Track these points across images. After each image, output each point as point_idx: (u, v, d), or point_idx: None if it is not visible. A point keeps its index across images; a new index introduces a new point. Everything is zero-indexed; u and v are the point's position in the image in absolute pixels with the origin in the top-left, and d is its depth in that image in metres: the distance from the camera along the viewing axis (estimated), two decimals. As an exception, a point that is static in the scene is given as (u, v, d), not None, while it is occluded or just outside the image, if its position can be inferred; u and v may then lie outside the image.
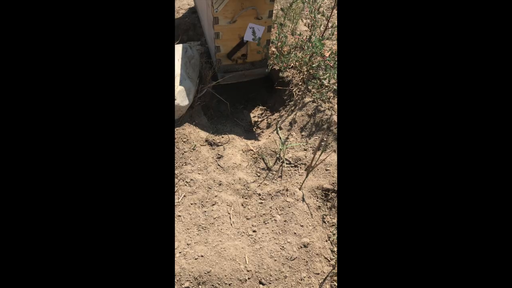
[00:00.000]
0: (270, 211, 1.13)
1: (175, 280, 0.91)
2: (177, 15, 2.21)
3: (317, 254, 1.02)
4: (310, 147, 1.36)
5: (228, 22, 1.42)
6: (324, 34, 1.71)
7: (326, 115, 1.42)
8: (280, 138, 1.42)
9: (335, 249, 1.05)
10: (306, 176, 1.19)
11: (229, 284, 0.92)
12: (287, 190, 1.18)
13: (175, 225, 1.09)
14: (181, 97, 1.34)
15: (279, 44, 1.68)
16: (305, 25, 1.95)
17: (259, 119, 1.67)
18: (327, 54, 1.78)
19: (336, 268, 0.98)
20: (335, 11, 1.78)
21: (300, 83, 1.61)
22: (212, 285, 0.91)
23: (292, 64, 1.72)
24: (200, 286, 0.91)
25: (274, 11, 1.55)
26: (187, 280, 0.92)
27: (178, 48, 1.52)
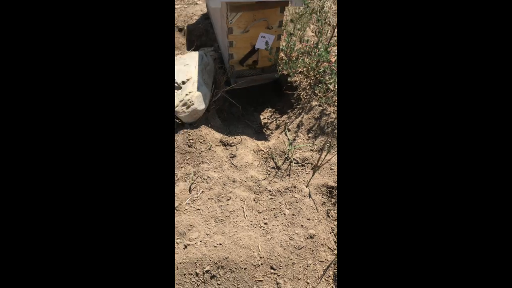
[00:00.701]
0: (280, 205, 1.25)
1: (199, 263, 1.05)
2: (190, 21, 2.34)
3: (321, 245, 1.14)
4: (316, 148, 1.48)
5: (241, 32, 1.54)
6: (330, 41, 1.81)
7: (331, 118, 1.54)
8: (288, 139, 1.54)
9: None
10: (313, 175, 1.31)
11: (245, 269, 1.05)
12: (295, 187, 1.30)
13: (195, 217, 1.22)
14: (198, 102, 1.47)
15: (288, 50, 1.79)
16: (312, 31, 2.06)
17: (269, 121, 1.79)
18: (333, 60, 1.89)
19: (337, 257, 1.11)
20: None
21: (307, 88, 1.73)
22: (230, 269, 1.04)
23: (300, 70, 1.84)
24: (219, 270, 1.04)
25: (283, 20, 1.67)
26: (208, 265, 1.05)
27: (195, 56, 1.65)
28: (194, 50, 2.14)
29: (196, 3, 2.58)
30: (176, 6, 2.60)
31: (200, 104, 1.48)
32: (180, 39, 2.26)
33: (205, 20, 2.33)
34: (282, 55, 1.85)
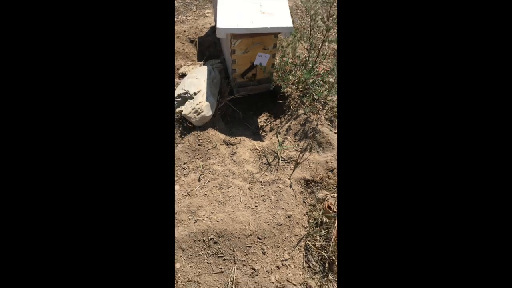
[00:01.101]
0: (267, 193, 1.63)
1: (205, 233, 1.44)
2: (201, 34, 2.68)
3: (297, 223, 1.52)
4: (300, 148, 1.85)
5: (242, 52, 1.88)
6: (316, 59, 2.15)
7: (313, 125, 1.90)
8: (278, 141, 1.91)
9: (310, 220, 1.55)
10: (294, 170, 1.68)
11: (238, 238, 1.44)
12: (280, 179, 1.67)
13: (203, 200, 1.61)
14: (207, 110, 1.84)
15: (282, 64, 2.14)
16: (304, 46, 2.39)
17: (265, 124, 2.15)
18: (321, 73, 2.23)
19: (308, 232, 1.49)
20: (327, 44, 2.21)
21: (296, 98, 2.08)
22: (228, 238, 1.43)
23: (291, 82, 2.18)
24: (220, 238, 1.44)
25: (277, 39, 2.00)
26: (212, 234, 1.45)
27: (204, 70, 2.01)
28: (204, 60, 2.50)
29: (206, 16, 2.92)
30: (188, 18, 2.95)
31: (208, 112, 1.85)
32: (191, 50, 2.61)
33: (213, 32, 2.67)
34: (277, 66, 2.19)
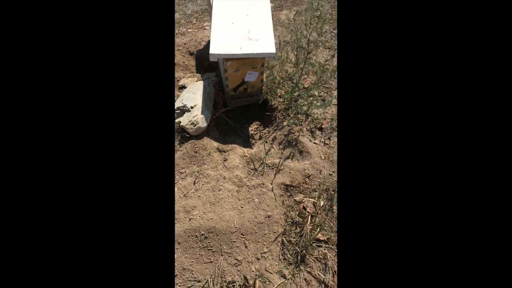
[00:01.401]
0: (252, 196, 1.91)
1: (198, 230, 1.72)
2: (199, 46, 2.93)
3: (275, 222, 1.79)
4: (284, 156, 2.11)
5: (233, 71, 2.14)
6: (301, 75, 2.39)
7: (295, 135, 2.15)
8: (265, 149, 2.17)
9: (288, 220, 1.82)
10: (275, 176, 1.95)
11: (225, 234, 1.72)
12: (263, 184, 1.94)
13: (197, 201, 1.89)
14: (202, 122, 2.11)
15: (269, 80, 2.38)
16: (290, 62, 2.63)
17: (255, 132, 2.41)
18: (306, 86, 2.47)
19: (285, 230, 1.76)
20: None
21: (282, 110, 2.33)
22: (216, 234, 1.72)
23: (279, 94, 2.43)
24: (210, 234, 1.72)
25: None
26: (203, 231, 1.73)
27: (200, 85, 2.27)
28: (202, 72, 2.75)
29: (205, 28, 3.16)
30: (188, 30, 3.19)
31: (203, 123, 2.12)
32: (191, 62, 2.87)
33: (211, 46, 2.91)
34: (264, 82, 2.44)
